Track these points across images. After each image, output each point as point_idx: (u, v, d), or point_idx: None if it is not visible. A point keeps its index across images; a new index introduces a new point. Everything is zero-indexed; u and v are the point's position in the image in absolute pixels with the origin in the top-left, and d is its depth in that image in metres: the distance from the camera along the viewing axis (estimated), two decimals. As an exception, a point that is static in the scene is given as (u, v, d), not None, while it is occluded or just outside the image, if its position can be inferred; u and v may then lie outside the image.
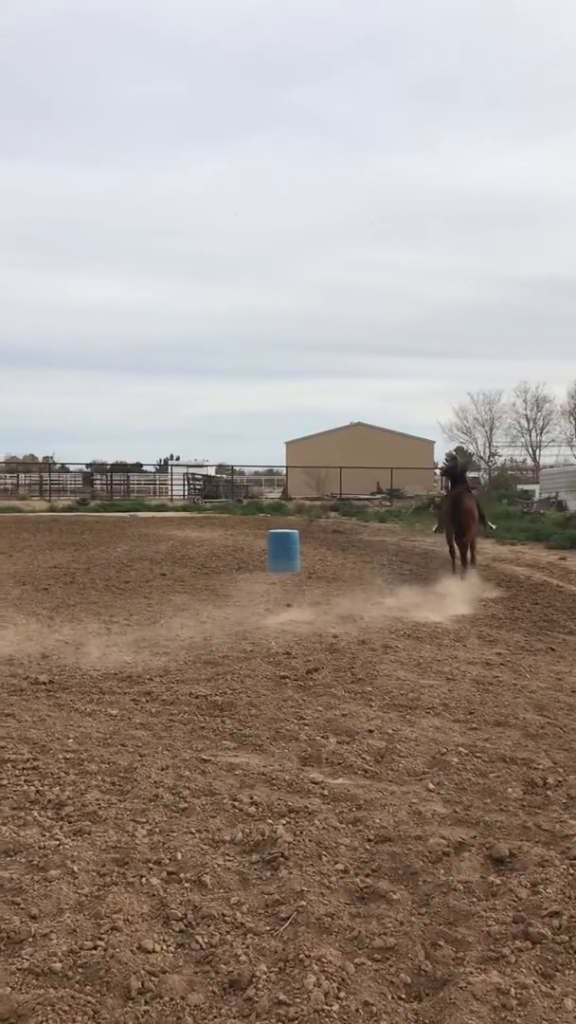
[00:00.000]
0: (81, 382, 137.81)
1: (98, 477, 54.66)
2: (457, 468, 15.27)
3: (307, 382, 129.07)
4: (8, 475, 59.47)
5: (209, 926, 3.59)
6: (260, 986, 3.19)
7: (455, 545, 14.20)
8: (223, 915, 3.66)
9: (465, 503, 13.76)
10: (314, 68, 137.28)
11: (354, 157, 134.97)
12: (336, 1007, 3.07)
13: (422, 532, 24.38)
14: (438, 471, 13.83)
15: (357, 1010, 3.07)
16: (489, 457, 51.25)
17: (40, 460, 74.71)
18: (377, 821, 4.62)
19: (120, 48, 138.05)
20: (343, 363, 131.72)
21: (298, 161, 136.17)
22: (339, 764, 5.60)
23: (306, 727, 6.34)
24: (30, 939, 3.45)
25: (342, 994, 3.15)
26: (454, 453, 15.30)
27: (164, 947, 3.43)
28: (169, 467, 58.66)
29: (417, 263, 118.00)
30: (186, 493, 48.35)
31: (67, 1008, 3.03)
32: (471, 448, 55.48)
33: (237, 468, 56.25)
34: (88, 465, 59.14)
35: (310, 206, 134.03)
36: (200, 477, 50.91)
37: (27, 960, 3.30)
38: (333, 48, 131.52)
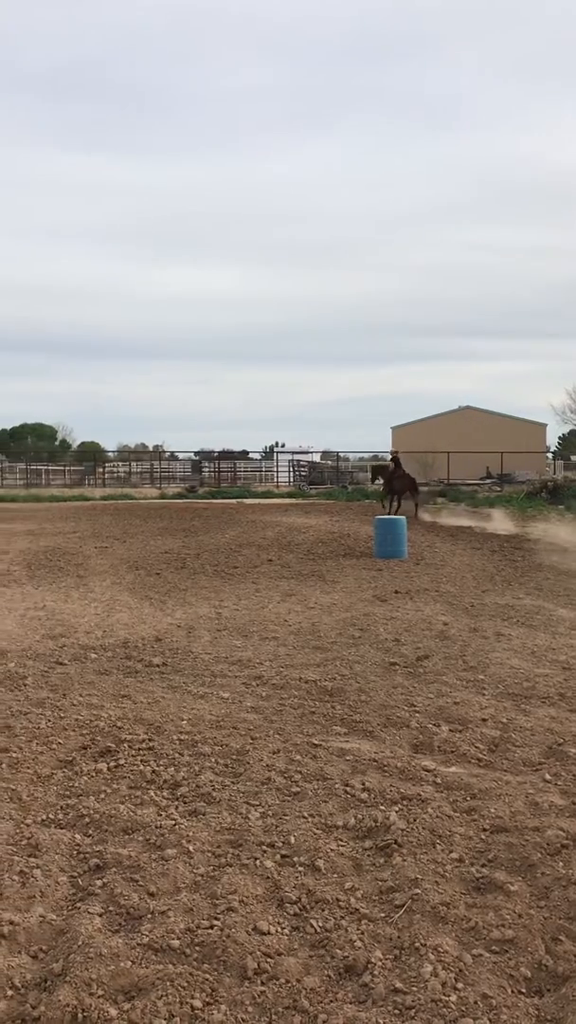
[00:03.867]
0: (190, 372, 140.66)
1: (206, 465, 55.45)
2: (399, 460, 25.77)
3: (414, 366, 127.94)
4: (121, 463, 61.06)
5: (323, 910, 3.58)
6: (376, 973, 3.17)
7: (400, 502, 24.38)
8: (337, 900, 3.65)
9: (414, 481, 25.23)
10: (414, 46, 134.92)
11: (458, 135, 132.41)
12: (454, 998, 3.02)
13: (534, 518, 23.79)
14: (391, 462, 25.24)
15: (476, 1002, 3.00)
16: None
17: (151, 449, 76.47)
18: (492, 811, 4.53)
19: (220, 37, 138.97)
20: (451, 346, 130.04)
21: (400, 142, 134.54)
22: (452, 752, 5.52)
23: (417, 714, 6.27)
24: (148, 916, 3.52)
25: (460, 985, 3.09)
26: (395, 451, 27.74)
27: (279, 929, 3.45)
28: (275, 454, 58.91)
29: (525, 242, 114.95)
30: (292, 480, 48.51)
31: (185, 984, 3.08)
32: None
33: (342, 454, 55.98)
34: (196, 453, 60.08)
35: (414, 187, 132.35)
36: (305, 464, 50.94)
37: (146, 936, 3.37)
38: (433, 25, 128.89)
